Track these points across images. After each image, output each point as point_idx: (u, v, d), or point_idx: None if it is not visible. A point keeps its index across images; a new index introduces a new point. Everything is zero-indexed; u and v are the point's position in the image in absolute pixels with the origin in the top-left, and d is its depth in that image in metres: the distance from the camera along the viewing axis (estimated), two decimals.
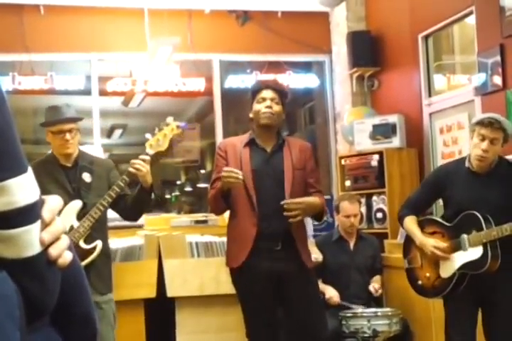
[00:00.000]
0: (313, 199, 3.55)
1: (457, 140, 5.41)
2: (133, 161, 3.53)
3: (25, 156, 0.76)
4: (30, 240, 0.74)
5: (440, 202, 3.95)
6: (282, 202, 3.44)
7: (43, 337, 0.80)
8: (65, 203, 3.46)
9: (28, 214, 0.74)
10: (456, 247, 3.51)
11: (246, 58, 7.14)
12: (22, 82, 6.51)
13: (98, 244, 3.56)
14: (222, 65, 7.08)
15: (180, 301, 4.59)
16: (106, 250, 3.68)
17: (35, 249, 0.75)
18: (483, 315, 3.52)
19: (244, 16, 6.80)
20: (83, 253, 3.46)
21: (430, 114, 5.80)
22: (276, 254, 3.52)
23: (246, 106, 3.84)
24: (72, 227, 3.49)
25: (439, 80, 6.00)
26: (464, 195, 3.50)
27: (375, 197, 5.80)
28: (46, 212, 0.77)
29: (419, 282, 3.70)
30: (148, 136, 3.60)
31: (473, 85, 5.12)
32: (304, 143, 3.84)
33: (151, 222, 5.23)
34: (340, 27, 6.81)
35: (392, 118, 5.87)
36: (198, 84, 7.04)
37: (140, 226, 4.93)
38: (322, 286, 4.55)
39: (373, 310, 4.43)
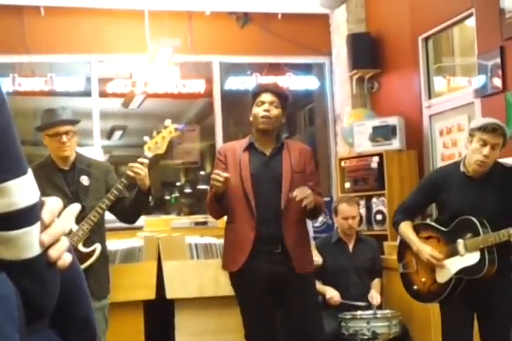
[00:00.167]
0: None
1: (457, 142, 5.41)
2: (131, 164, 3.52)
3: (25, 158, 0.76)
4: (30, 242, 0.74)
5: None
6: (291, 196, 3.43)
7: (42, 339, 0.80)
8: (64, 206, 3.47)
9: (28, 216, 0.74)
10: (453, 252, 3.50)
11: (246, 60, 7.15)
12: (22, 84, 6.51)
13: (97, 247, 3.55)
14: (223, 66, 7.09)
15: (179, 303, 4.59)
16: (104, 253, 3.68)
17: (34, 251, 0.75)
18: (479, 319, 3.52)
19: (245, 18, 6.81)
20: (82, 257, 3.45)
21: (430, 116, 5.80)
22: (276, 257, 3.52)
23: (246, 108, 3.84)
24: (71, 231, 3.48)
25: (439, 82, 6.01)
26: (459, 199, 3.48)
27: (374, 199, 5.80)
28: (46, 214, 0.77)
29: (415, 287, 3.69)
30: (146, 138, 3.60)
31: (473, 87, 5.13)
32: (304, 146, 3.83)
33: (151, 224, 5.23)
34: (341, 29, 6.82)
35: (392, 120, 5.87)
36: (198, 86, 7.04)
37: (140, 228, 4.93)
38: (322, 287, 4.55)
39: (372, 312, 4.42)
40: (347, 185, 6.00)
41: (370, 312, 4.42)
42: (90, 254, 3.53)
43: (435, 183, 3.62)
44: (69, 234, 3.44)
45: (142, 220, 4.65)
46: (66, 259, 0.79)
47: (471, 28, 5.29)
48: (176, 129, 3.64)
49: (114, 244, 4.41)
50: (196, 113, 9.47)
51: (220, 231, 3.88)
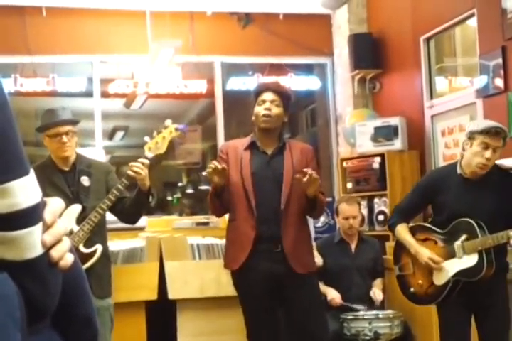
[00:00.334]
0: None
1: (459, 142, 5.40)
2: (132, 164, 3.52)
3: (27, 158, 0.76)
4: (32, 242, 0.74)
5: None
6: (296, 176, 3.41)
7: (44, 340, 0.80)
8: (65, 207, 3.47)
9: (30, 216, 0.74)
10: (450, 254, 3.49)
11: (248, 60, 7.15)
12: (24, 84, 6.52)
13: (98, 247, 3.55)
14: (224, 67, 7.09)
15: (181, 303, 4.59)
16: (105, 253, 3.67)
17: (37, 251, 0.75)
18: (476, 321, 3.51)
19: (246, 18, 6.81)
20: (83, 258, 3.45)
21: (432, 117, 5.80)
22: (276, 256, 3.52)
23: (248, 109, 3.84)
24: (71, 231, 3.48)
25: (440, 82, 6.00)
26: (457, 201, 3.47)
27: (376, 200, 5.80)
28: (48, 214, 0.77)
29: (412, 289, 3.68)
30: (147, 138, 3.60)
31: (474, 87, 5.12)
32: (306, 145, 3.83)
33: (153, 224, 5.24)
34: (342, 29, 6.82)
35: (394, 121, 5.87)
36: (200, 86, 7.04)
37: (141, 229, 4.93)
38: (323, 288, 4.54)
39: (375, 312, 4.42)
40: (349, 185, 6.00)
41: (372, 312, 4.41)
42: (91, 255, 3.53)
43: (432, 185, 3.60)
44: (69, 234, 3.44)
45: (144, 221, 4.66)
46: (68, 259, 0.79)
47: (472, 28, 5.29)
48: (176, 129, 3.63)
49: (116, 244, 4.42)
50: (198, 113, 9.47)
51: (222, 232, 3.88)
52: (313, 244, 4.69)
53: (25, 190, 0.74)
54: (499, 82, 4.76)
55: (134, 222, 3.88)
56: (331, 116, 7.23)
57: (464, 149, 3.51)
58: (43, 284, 0.76)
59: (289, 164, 3.61)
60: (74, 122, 3.68)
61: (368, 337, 4.29)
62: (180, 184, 13.43)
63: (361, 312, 4.42)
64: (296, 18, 6.94)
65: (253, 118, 3.66)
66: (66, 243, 0.79)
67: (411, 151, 5.85)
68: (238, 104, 7.48)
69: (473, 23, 5.25)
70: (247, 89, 6.86)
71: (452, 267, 3.47)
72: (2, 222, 0.72)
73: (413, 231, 3.65)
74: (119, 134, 11.29)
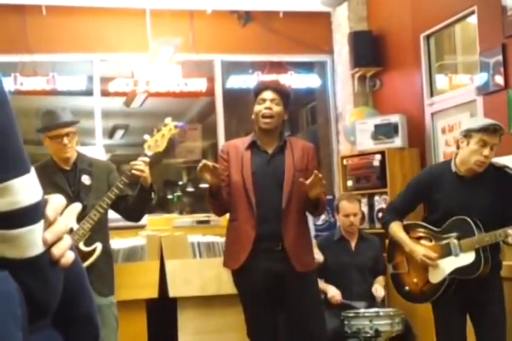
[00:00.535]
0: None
1: None
2: (133, 163, 3.53)
3: (28, 157, 0.76)
4: (33, 240, 0.75)
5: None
6: (301, 180, 3.42)
7: (45, 339, 0.80)
8: (65, 206, 3.47)
9: (31, 214, 0.74)
10: (446, 252, 3.48)
11: (248, 58, 7.15)
12: (24, 83, 6.52)
13: (98, 246, 3.55)
14: (224, 65, 7.08)
15: (182, 301, 4.60)
16: (107, 251, 3.68)
17: (38, 249, 0.75)
18: (472, 318, 3.51)
19: (246, 17, 6.81)
20: (83, 256, 3.45)
21: (432, 114, 5.79)
22: (276, 255, 3.52)
23: (248, 107, 3.84)
24: (72, 229, 3.48)
25: (440, 80, 6.00)
26: (451, 199, 3.47)
27: (377, 197, 5.80)
28: (50, 211, 0.77)
29: (406, 288, 3.68)
30: (146, 137, 3.60)
31: (475, 85, 5.12)
32: (307, 143, 3.83)
33: (153, 223, 5.24)
34: (342, 27, 6.81)
35: (394, 118, 5.87)
36: (200, 85, 7.04)
37: (142, 227, 4.93)
38: (324, 285, 4.55)
39: (375, 310, 4.42)
40: (349, 183, 5.99)
41: (373, 310, 4.42)
42: (91, 253, 3.53)
43: (426, 183, 3.59)
44: (70, 232, 3.44)
45: (145, 219, 4.66)
46: (69, 257, 0.79)
47: (472, 25, 5.28)
48: (175, 127, 3.63)
49: (117, 242, 4.42)
50: (198, 112, 9.47)
51: (223, 230, 3.88)
52: (314, 241, 4.71)
53: (26, 188, 0.74)
54: (499, 80, 4.76)
55: (139, 219, 3.90)
56: (331, 114, 7.22)
57: (458, 147, 3.50)
58: (45, 282, 0.77)
59: (289, 162, 3.61)
60: (74, 123, 3.68)
61: (368, 335, 4.29)
62: (180, 182, 13.43)
63: (362, 310, 4.42)
64: (296, 16, 6.94)
65: (253, 116, 3.66)
66: (67, 241, 0.79)
67: (411, 149, 5.85)
68: (238, 102, 7.48)
69: (473, 20, 5.24)
70: (247, 87, 6.86)
71: (448, 265, 3.47)
72: (3, 220, 0.72)
73: (407, 230, 3.64)
74: (120, 133, 11.29)
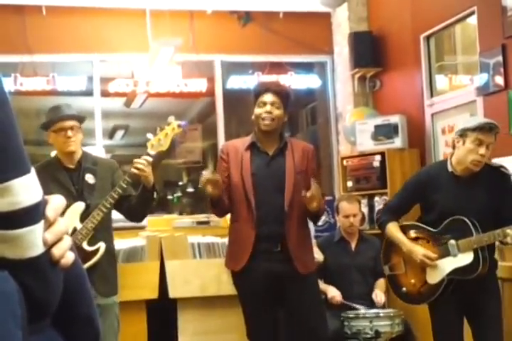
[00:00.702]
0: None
1: None
2: (135, 161, 3.52)
3: (28, 157, 0.76)
4: (33, 240, 0.74)
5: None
6: (304, 195, 3.43)
7: (45, 339, 0.80)
8: (69, 205, 3.47)
9: (31, 215, 0.74)
10: (444, 253, 3.48)
11: (248, 59, 7.15)
12: (24, 83, 6.52)
13: (101, 245, 3.54)
14: (224, 65, 7.09)
15: (182, 302, 4.59)
16: (111, 251, 3.66)
17: (38, 250, 0.75)
18: (470, 319, 3.51)
19: (246, 17, 6.81)
20: (86, 255, 3.44)
21: (432, 115, 5.80)
22: (275, 256, 3.52)
23: (248, 107, 3.84)
24: (75, 229, 3.48)
25: (440, 81, 6.00)
26: (448, 199, 3.46)
27: (377, 198, 5.80)
28: (50, 211, 0.77)
29: (404, 289, 3.67)
30: (149, 136, 3.59)
31: (475, 85, 5.12)
32: (307, 145, 3.82)
33: (153, 223, 5.23)
34: (342, 27, 6.82)
35: (394, 119, 5.87)
36: (200, 85, 7.04)
37: (142, 227, 4.93)
38: (324, 286, 4.55)
39: (375, 310, 4.42)
40: (349, 183, 5.99)
41: (373, 311, 4.42)
42: (94, 253, 3.52)
43: (423, 183, 3.58)
44: (73, 232, 3.44)
45: (145, 220, 4.65)
46: (69, 258, 0.79)
47: (472, 26, 5.28)
48: (179, 126, 3.62)
49: (117, 243, 4.41)
50: (198, 112, 9.47)
51: (222, 231, 3.89)
52: (314, 241, 4.70)
53: (26, 189, 0.73)
54: (499, 80, 4.76)
55: (141, 219, 3.89)
56: (331, 115, 7.23)
57: (454, 147, 3.49)
58: (45, 282, 0.76)
59: (290, 164, 3.60)
60: (78, 118, 3.68)
61: (368, 336, 4.29)
62: (180, 183, 13.43)
63: (362, 311, 4.41)
64: (296, 17, 6.94)
65: (253, 117, 3.66)
66: (67, 241, 0.79)
67: (411, 149, 5.85)
68: (238, 103, 7.48)
69: (473, 21, 5.24)
70: (248, 87, 6.86)
71: (447, 265, 3.46)
72: (3, 221, 0.72)
73: (404, 230, 3.63)
74: (120, 133, 11.30)
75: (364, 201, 5.76)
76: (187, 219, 5.48)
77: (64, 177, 3.61)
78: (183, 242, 4.66)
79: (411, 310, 4.55)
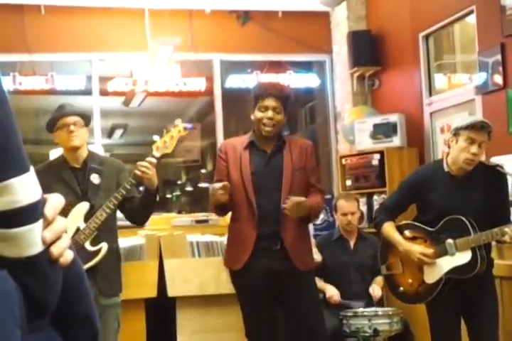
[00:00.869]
0: (307, 202, 3.53)
1: None
2: (139, 163, 3.50)
3: (27, 156, 0.76)
4: (32, 239, 0.75)
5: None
6: (283, 206, 3.48)
7: (43, 338, 0.80)
8: (73, 205, 3.47)
9: (30, 213, 0.74)
10: (442, 252, 3.47)
11: (247, 58, 7.15)
12: (23, 82, 6.52)
13: (104, 245, 3.52)
14: (223, 64, 7.09)
15: (180, 301, 4.60)
16: (115, 251, 3.65)
17: (37, 248, 0.75)
18: (467, 318, 3.51)
19: (245, 16, 6.81)
20: (89, 255, 3.43)
21: (431, 113, 5.80)
22: (275, 254, 3.53)
23: (247, 106, 3.84)
24: (78, 229, 3.46)
25: (439, 79, 6.00)
26: (444, 199, 3.46)
27: (375, 197, 5.80)
28: (49, 210, 0.77)
29: (401, 289, 3.67)
30: (155, 137, 3.56)
31: (473, 84, 5.13)
32: (305, 141, 3.83)
33: (152, 222, 5.21)
34: (341, 26, 6.82)
35: (393, 118, 5.87)
36: (199, 84, 7.04)
37: (141, 226, 4.93)
38: (322, 285, 4.55)
39: (374, 309, 4.43)
40: (348, 182, 6.00)
41: (372, 309, 4.42)
42: (96, 253, 3.50)
43: (419, 183, 3.57)
44: (76, 232, 3.43)
45: None
46: (68, 256, 0.79)
47: (471, 25, 5.29)
48: (185, 128, 3.61)
49: None
50: (197, 111, 9.47)
51: (222, 229, 3.89)
52: (312, 241, 4.71)
53: (25, 187, 0.74)
54: (498, 79, 4.76)
55: (143, 222, 3.87)
56: (330, 114, 7.23)
57: (449, 146, 3.50)
58: (44, 281, 0.77)
59: (288, 162, 3.61)
60: (80, 113, 3.67)
61: (367, 334, 4.30)
62: (179, 182, 13.44)
63: (360, 309, 4.42)
64: (295, 16, 6.94)
65: (253, 118, 3.65)
66: (66, 240, 0.79)
67: (410, 148, 5.86)
68: (237, 102, 7.48)
69: (472, 19, 5.25)
70: (246, 86, 6.87)
71: (445, 264, 3.46)
72: (2, 219, 0.72)
73: (400, 230, 3.63)
74: (118, 132, 11.30)
75: (363, 200, 5.76)
76: (186, 218, 5.47)
77: (69, 176, 3.60)
78: (182, 241, 4.66)
79: (410, 308, 4.56)
